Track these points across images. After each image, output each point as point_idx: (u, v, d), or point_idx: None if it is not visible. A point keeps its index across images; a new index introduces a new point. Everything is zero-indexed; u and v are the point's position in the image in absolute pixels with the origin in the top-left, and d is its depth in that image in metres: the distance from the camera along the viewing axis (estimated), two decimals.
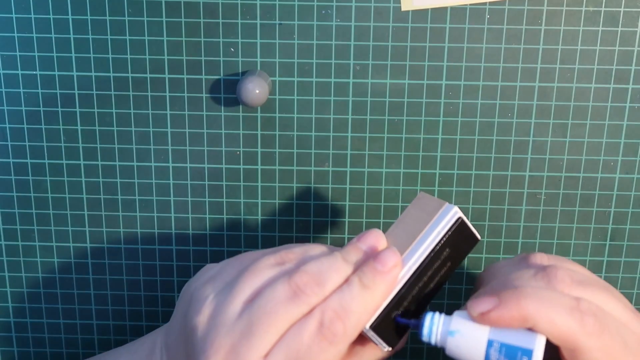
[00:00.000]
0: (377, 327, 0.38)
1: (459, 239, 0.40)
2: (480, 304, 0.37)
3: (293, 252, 0.40)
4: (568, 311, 0.36)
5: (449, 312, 0.39)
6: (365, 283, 0.38)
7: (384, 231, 0.42)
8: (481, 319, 0.37)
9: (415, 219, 0.41)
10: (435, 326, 0.38)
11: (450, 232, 0.40)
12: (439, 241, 0.40)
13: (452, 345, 0.37)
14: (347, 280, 0.38)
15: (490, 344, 0.36)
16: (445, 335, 0.37)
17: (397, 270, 0.38)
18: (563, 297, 0.37)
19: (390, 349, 0.40)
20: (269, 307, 0.37)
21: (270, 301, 0.37)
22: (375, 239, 0.40)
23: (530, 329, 0.36)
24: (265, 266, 0.39)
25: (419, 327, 0.38)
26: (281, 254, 0.40)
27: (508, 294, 0.37)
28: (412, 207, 0.43)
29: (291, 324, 0.37)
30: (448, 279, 0.41)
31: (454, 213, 0.40)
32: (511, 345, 0.36)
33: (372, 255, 0.39)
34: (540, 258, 0.42)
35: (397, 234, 0.41)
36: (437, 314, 0.38)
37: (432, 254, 0.39)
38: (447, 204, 0.41)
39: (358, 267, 0.39)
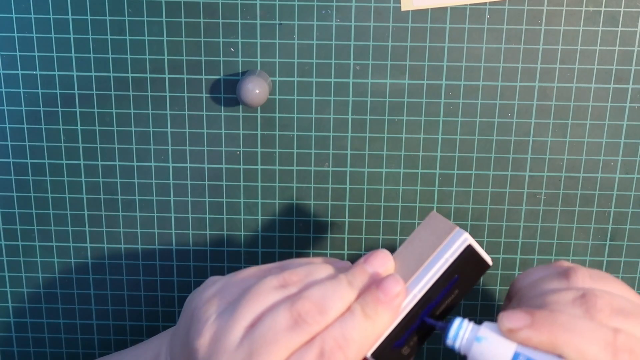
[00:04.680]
0: (378, 355, 0.38)
1: (468, 266, 0.39)
2: (512, 319, 0.36)
3: (297, 274, 0.40)
4: (602, 346, 0.35)
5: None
6: (368, 313, 0.37)
7: (392, 250, 0.41)
8: (510, 334, 0.36)
9: (424, 241, 0.40)
10: (462, 330, 0.37)
11: (458, 260, 0.38)
12: (447, 269, 0.38)
13: (477, 352, 0.36)
14: (349, 307, 0.38)
15: (516, 356, 0.35)
16: (471, 340, 0.37)
17: (399, 300, 0.38)
18: (599, 330, 0.35)
19: None
20: (270, 335, 0.37)
21: (272, 329, 0.37)
22: (383, 261, 0.40)
23: (560, 356, 0.35)
24: (267, 289, 0.39)
25: (445, 329, 0.38)
26: (284, 276, 0.40)
27: (542, 317, 0.36)
28: (422, 227, 0.42)
29: (292, 352, 0.37)
30: (456, 306, 0.40)
31: (463, 240, 0.39)
32: None
33: (376, 281, 0.38)
34: (582, 278, 0.39)
35: (405, 257, 0.40)
36: (466, 319, 0.38)
37: (439, 282, 0.38)
38: (457, 228, 0.39)
39: (362, 292, 0.38)
